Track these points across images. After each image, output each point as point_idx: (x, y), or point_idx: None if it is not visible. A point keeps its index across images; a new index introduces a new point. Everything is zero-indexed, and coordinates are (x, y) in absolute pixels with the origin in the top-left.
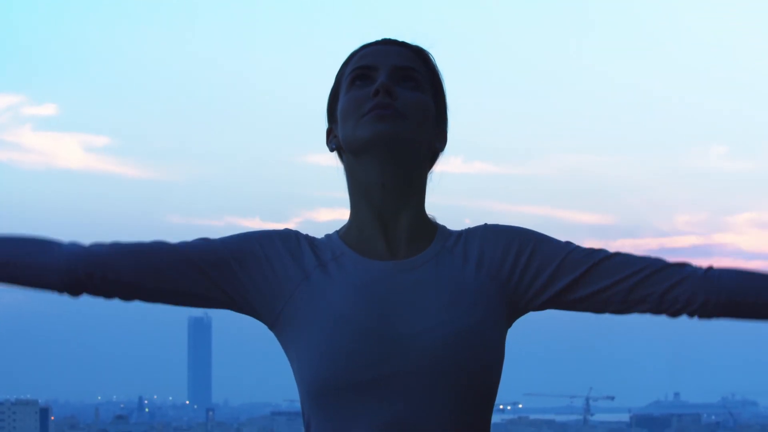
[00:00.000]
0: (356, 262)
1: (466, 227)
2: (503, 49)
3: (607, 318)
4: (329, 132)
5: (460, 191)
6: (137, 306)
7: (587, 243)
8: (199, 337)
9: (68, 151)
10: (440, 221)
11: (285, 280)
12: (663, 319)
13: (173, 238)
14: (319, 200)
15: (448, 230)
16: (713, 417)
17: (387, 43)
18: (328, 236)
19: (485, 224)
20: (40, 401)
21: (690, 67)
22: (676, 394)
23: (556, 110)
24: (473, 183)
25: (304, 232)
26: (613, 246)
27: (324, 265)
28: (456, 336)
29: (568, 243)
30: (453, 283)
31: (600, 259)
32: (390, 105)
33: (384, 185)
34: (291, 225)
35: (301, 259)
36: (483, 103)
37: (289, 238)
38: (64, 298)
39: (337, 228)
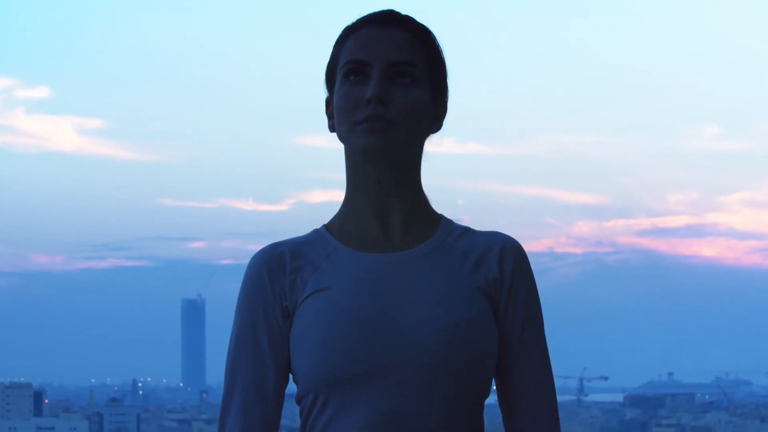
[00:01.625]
0: (350, 255)
1: (477, 229)
2: (496, 29)
3: (601, 298)
4: (328, 103)
5: (453, 172)
6: (130, 288)
7: (581, 224)
8: (193, 319)
9: (61, 134)
10: (433, 201)
11: (294, 295)
12: (657, 301)
13: (166, 220)
14: (313, 182)
15: (454, 224)
16: (707, 397)
17: (385, 23)
18: (316, 232)
19: (498, 233)
20: (34, 384)
21: (683, 48)
22: (670, 374)
23: (549, 91)
24: (466, 163)
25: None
26: (606, 226)
27: (317, 265)
28: (451, 328)
29: (536, 314)
30: (450, 276)
31: (527, 362)
32: (381, 117)
33: (380, 181)
34: (284, 207)
35: (294, 272)
36: (476, 83)
37: (273, 260)
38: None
39: (330, 209)
